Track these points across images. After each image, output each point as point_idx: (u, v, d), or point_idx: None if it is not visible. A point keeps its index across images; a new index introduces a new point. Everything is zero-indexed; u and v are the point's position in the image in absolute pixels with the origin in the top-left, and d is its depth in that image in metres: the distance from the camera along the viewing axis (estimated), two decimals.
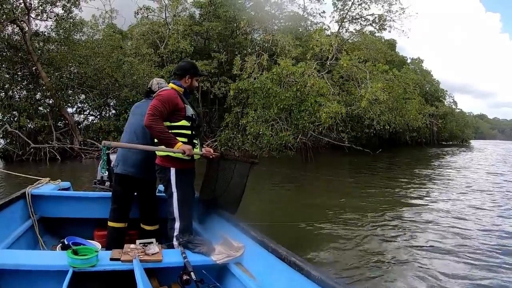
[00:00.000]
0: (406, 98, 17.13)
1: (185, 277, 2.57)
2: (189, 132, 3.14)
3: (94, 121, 17.55)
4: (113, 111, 18.10)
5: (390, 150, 19.42)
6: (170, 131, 3.02)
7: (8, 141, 14.01)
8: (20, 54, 14.36)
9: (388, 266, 4.48)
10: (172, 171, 3.08)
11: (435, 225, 6.30)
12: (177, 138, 3.02)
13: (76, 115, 17.35)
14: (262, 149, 15.83)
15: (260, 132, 14.64)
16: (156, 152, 3.16)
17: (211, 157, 3.40)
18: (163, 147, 3.01)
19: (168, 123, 3.06)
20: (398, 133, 20.24)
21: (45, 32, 15.01)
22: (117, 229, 3.49)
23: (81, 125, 16.74)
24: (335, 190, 9.21)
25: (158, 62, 20.16)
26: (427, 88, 30.52)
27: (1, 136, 13.67)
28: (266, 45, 19.58)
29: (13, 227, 3.29)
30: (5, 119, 13.63)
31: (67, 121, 15.70)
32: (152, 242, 3.52)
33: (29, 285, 2.52)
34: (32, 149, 13.54)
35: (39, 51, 14.59)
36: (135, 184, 3.47)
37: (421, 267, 4.49)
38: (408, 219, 6.66)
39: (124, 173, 3.42)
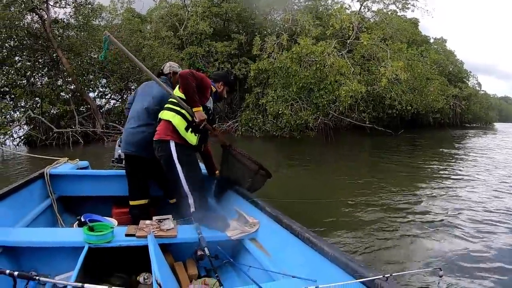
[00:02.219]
0: (428, 79, 16.58)
1: (199, 252, 2.57)
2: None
3: (116, 105, 17.69)
4: None
5: (412, 131, 18.90)
6: None
7: (31, 127, 14.31)
8: (40, 42, 14.51)
9: (407, 247, 4.35)
10: (172, 144, 3.04)
11: (461, 206, 6.08)
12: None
13: (98, 99, 17.54)
14: (282, 129, 15.73)
15: (279, 112, 14.51)
16: (158, 126, 3.19)
17: (221, 142, 3.50)
18: (176, 95, 3.12)
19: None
20: (421, 115, 19.68)
21: (64, 19, 15.13)
22: (135, 207, 3.53)
23: (103, 109, 16.89)
24: (356, 170, 9.04)
25: (178, 45, 20.14)
26: (450, 69, 29.51)
27: (24, 122, 13.93)
28: (285, 25, 19.24)
29: (32, 205, 3.35)
30: (28, 106, 13.85)
31: (89, 106, 15.91)
32: (168, 218, 3.56)
33: (47, 261, 2.55)
34: (55, 134, 13.77)
35: (59, 38, 14.73)
36: (140, 163, 3.49)
37: (443, 249, 4.32)
38: (431, 199, 6.44)
39: (127, 153, 3.49)
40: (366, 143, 15.46)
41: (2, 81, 13.79)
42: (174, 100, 3.16)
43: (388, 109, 16.25)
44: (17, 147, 13.39)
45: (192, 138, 3.14)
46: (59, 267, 2.51)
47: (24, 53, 14.59)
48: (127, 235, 2.60)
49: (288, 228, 2.43)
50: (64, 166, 4.06)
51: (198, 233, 2.67)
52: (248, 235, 2.76)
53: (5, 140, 12.14)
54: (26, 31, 13.90)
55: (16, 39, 14.01)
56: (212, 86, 3.33)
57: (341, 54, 15.37)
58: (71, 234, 2.58)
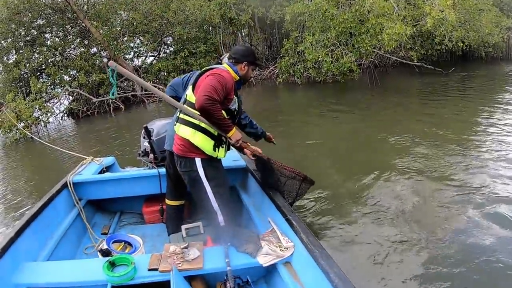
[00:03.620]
0: (480, 10, 14.83)
1: (228, 285, 2.34)
2: None
3: (153, 62, 17.46)
4: (171, 49, 17.83)
5: (463, 68, 17.38)
6: None
7: (71, 100, 14.52)
8: (67, 15, 14.37)
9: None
10: (198, 161, 2.70)
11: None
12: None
13: (135, 59, 17.42)
14: (325, 74, 14.99)
15: (319, 59, 13.71)
16: (176, 137, 2.84)
17: (252, 156, 3.11)
18: (204, 120, 2.63)
19: None
20: (472, 49, 17.98)
21: None
22: (172, 207, 3.39)
23: (140, 69, 16.76)
24: (403, 122, 8.34)
25: None
26: None
27: (64, 97, 14.16)
28: None
29: (61, 218, 3.30)
30: (64, 81, 13.96)
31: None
32: (198, 226, 3.37)
33: None
34: (96, 103, 13.92)
35: (85, 7, 14.52)
36: None
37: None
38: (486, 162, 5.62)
39: (170, 150, 3.17)
40: (414, 85, 14.39)
41: (36, 62, 13.94)
42: (193, 101, 2.68)
43: (438, 45, 14.88)
44: (62, 121, 13.71)
45: (221, 153, 2.80)
46: None
47: (54, 30, 14.60)
48: (150, 269, 2.41)
49: (319, 265, 2.14)
50: (88, 168, 3.96)
51: (226, 262, 2.43)
52: (282, 260, 2.47)
53: (48, 118, 12.40)
54: (50, 9, 13.82)
55: (43, 17, 13.92)
56: (234, 74, 2.81)
57: None
58: (93, 271, 2.43)
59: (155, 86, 15.16)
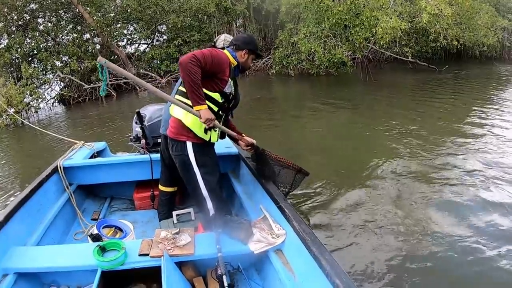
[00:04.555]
0: (476, 12, 14.86)
1: (219, 271, 2.33)
2: (216, 109, 2.68)
3: (146, 50, 17.31)
4: (165, 37, 17.76)
5: (457, 65, 17.46)
6: None
7: (63, 86, 14.34)
8: (61, 0, 14.18)
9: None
10: (189, 145, 2.67)
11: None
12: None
13: (128, 47, 17.29)
14: (318, 67, 15.01)
15: (312, 50, 13.70)
16: (170, 120, 2.83)
17: (246, 147, 3.04)
18: (180, 102, 2.60)
19: None
20: (467, 47, 18.08)
21: None
22: (164, 193, 3.39)
23: (133, 57, 16.60)
24: (393, 117, 8.38)
25: None
26: None
27: (55, 83, 13.97)
28: None
29: (51, 203, 3.26)
30: (56, 67, 13.77)
31: (118, 57, 15.68)
32: (189, 212, 3.36)
33: (59, 281, 2.48)
34: (87, 90, 13.77)
35: None
36: None
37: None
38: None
39: (164, 134, 3.17)
40: (407, 81, 14.43)
41: (28, 46, 13.74)
42: (183, 89, 2.68)
43: (432, 43, 14.93)
44: (52, 107, 13.55)
45: (213, 137, 2.77)
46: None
47: (47, 15, 14.36)
48: (140, 254, 2.39)
49: (311, 253, 2.14)
50: (79, 153, 3.92)
51: (217, 248, 2.42)
52: (273, 247, 2.47)
53: (39, 104, 12.25)
54: None
55: (36, 1, 13.72)
56: (232, 59, 2.77)
57: None
58: (83, 255, 2.41)
59: (147, 75, 15.24)
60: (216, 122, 2.64)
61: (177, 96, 2.75)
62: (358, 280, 3.01)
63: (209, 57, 2.49)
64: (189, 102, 2.56)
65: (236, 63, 2.82)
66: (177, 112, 2.72)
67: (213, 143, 2.88)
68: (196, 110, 2.51)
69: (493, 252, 3.34)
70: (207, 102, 2.60)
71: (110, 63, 2.42)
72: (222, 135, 2.93)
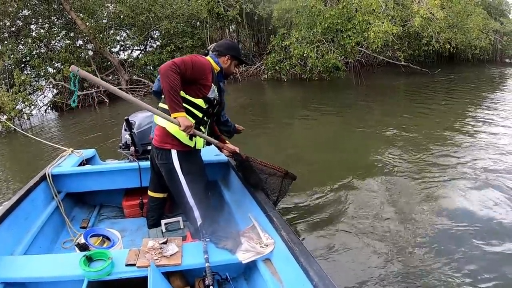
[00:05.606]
0: (468, 15, 15.01)
1: (207, 282, 2.31)
2: (200, 115, 2.68)
3: (139, 56, 17.23)
4: (158, 43, 17.72)
5: (449, 68, 17.59)
6: None
7: (55, 92, 14.25)
8: (53, 6, 14.11)
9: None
10: (174, 153, 2.66)
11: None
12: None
13: (121, 52, 17.21)
14: (311, 71, 15.05)
15: (304, 54, 13.75)
16: (155, 129, 2.81)
17: (229, 155, 3.04)
18: (158, 110, 2.60)
19: (183, 94, 2.59)
20: (459, 50, 18.27)
21: None
22: (154, 199, 3.36)
23: (126, 63, 16.56)
24: (385, 121, 8.41)
25: None
26: (491, 0, 26.84)
27: (48, 90, 13.89)
28: None
29: (39, 211, 3.22)
30: (48, 73, 13.67)
31: (110, 62, 15.63)
32: (178, 221, 3.34)
33: None
34: (80, 96, 13.69)
35: None
36: None
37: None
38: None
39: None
40: (399, 85, 14.51)
41: (21, 53, 13.70)
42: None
43: (425, 46, 15.05)
44: (45, 114, 13.46)
45: (199, 143, 2.76)
46: None
47: (39, 21, 14.34)
48: (127, 264, 2.37)
49: (299, 263, 2.13)
50: (68, 160, 3.87)
51: (205, 258, 2.40)
52: (262, 256, 2.45)
53: (31, 111, 12.17)
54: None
55: (29, 8, 13.69)
56: (214, 64, 2.79)
57: None
58: (70, 265, 2.38)
59: (140, 81, 15.18)
60: (195, 130, 2.62)
61: (161, 104, 2.76)
62: None
63: (189, 63, 2.50)
64: None
65: (219, 68, 2.83)
66: (160, 120, 2.70)
67: (199, 150, 2.87)
68: (174, 118, 2.49)
69: (493, 252, 3.37)
70: (190, 108, 2.61)
71: (84, 72, 2.36)
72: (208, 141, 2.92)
